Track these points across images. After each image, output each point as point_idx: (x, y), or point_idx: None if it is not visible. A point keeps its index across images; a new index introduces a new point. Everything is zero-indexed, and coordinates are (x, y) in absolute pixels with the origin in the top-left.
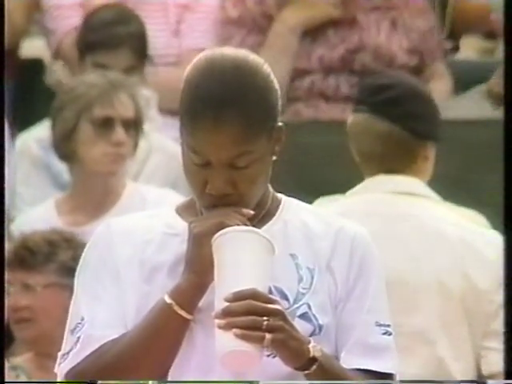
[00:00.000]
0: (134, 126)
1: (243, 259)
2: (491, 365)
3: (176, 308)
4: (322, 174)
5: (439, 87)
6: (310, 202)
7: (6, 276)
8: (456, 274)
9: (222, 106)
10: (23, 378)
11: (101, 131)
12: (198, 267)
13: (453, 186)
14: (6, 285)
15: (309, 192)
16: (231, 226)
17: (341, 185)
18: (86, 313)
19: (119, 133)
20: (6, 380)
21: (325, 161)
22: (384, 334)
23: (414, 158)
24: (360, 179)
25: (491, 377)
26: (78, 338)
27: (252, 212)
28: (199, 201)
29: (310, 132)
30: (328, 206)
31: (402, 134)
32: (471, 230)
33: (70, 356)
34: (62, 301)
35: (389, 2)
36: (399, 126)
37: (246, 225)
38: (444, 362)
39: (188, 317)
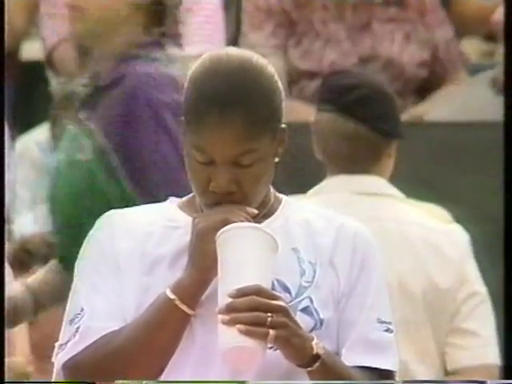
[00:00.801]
0: None
1: (247, 255)
2: (455, 361)
3: (178, 303)
4: (321, 176)
5: None
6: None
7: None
8: (417, 274)
9: (226, 104)
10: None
11: None
12: (201, 263)
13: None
14: (5, 287)
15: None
16: (235, 222)
17: None
18: (85, 304)
19: None
20: (6, 380)
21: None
22: (385, 330)
23: (379, 157)
24: None
25: (455, 373)
26: (77, 328)
27: (256, 211)
28: (202, 199)
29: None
30: None
31: (368, 133)
32: (434, 228)
33: (68, 346)
34: None
35: (404, 14)
36: (366, 125)
37: (249, 221)
38: (407, 365)
39: (190, 312)
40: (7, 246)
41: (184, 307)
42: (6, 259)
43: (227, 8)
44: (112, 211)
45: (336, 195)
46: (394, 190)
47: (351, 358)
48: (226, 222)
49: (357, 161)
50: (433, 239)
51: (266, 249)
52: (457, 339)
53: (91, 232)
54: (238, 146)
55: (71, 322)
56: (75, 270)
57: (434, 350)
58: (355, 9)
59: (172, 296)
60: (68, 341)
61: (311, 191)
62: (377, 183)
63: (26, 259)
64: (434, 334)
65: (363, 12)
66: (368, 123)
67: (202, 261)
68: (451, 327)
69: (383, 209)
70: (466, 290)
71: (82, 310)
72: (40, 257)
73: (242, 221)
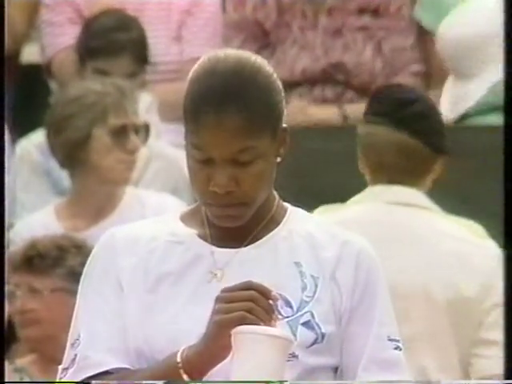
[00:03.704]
0: (142, 132)
1: (259, 362)
2: (479, 371)
3: (181, 371)
4: (321, 179)
5: None
6: (309, 207)
7: (14, 279)
8: (443, 283)
9: (223, 101)
10: (27, 380)
11: (116, 139)
12: (213, 349)
13: (451, 196)
14: (5, 288)
15: (308, 196)
16: (253, 319)
17: (339, 189)
18: (83, 330)
19: (134, 140)
20: (7, 381)
21: (323, 166)
22: (395, 349)
23: (425, 172)
24: (356, 183)
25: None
26: (75, 355)
27: (278, 296)
28: (202, 198)
29: (306, 138)
30: (329, 215)
31: (421, 147)
32: (468, 241)
33: (68, 374)
34: (68, 306)
35: (379, 23)
36: (420, 140)
37: (268, 318)
38: (427, 372)
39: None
40: (14, 248)
41: (185, 376)
42: (10, 260)
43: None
44: (114, 228)
45: (374, 205)
46: (431, 203)
47: (368, 378)
48: (243, 320)
49: (404, 173)
50: (464, 250)
51: (279, 352)
52: (482, 350)
53: (94, 250)
54: (235, 143)
55: (72, 345)
56: (79, 289)
57: (456, 358)
58: (330, 14)
59: (179, 359)
60: (68, 367)
61: (351, 200)
62: (414, 195)
63: (36, 260)
64: (457, 343)
65: (337, 17)
66: (422, 137)
67: (214, 348)
68: (476, 338)
69: (419, 220)
70: (490, 300)
71: (79, 336)
72: (50, 259)
73: (260, 319)
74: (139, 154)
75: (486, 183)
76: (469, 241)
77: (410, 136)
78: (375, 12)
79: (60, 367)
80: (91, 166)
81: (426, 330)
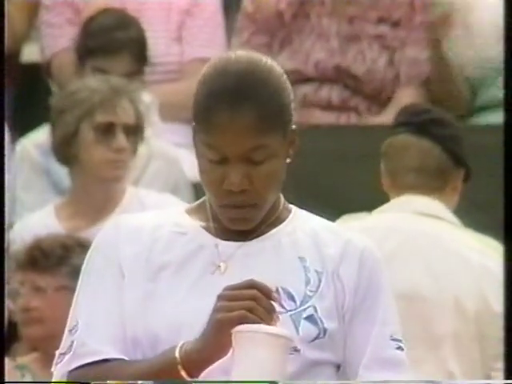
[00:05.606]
0: (135, 132)
1: (259, 361)
2: None
3: (179, 367)
4: (320, 178)
5: None
6: (310, 208)
7: (18, 277)
8: (473, 294)
9: (236, 99)
10: (29, 378)
11: (102, 137)
12: (213, 348)
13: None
14: (6, 287)
15: (309, 196)
16: (253, 318)
17: (339, 190)
18: (81, 317)
19: (120, 139)
20: (6, 380)
21: (323, 166)
22: (397, 348)
23: (444, 184)
24: (357, 183)
25: None
26: (72, 342)
27: (279, 297)
28: (215, 200)
29: (308, 138)
30: (355, 223)
31: (441, 154)
32: (490, 255)
33: (65, 359)
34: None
35: (395, 33)
36: (440, 145)
37: (269, 318)
38: (454, 377)
39: (188, 378)
40: (18, 246)
41: (183, 373)
42: (14, 258)
43: (227, 11)
44: (119, 216)
45: (398, 214)
46: (453, 217)
47: (369, 377)
48: (244, 319)
49: (425, 181)
50: (489, 265)
51: (279, 351)
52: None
53: (97, 238)
54: (249, 141)
55: (70, 332)
56: (80, 275)
57: (479, 370)
58: (349, 4)
59: (177, 355)
60: (65, 353)
61: (378, 210)
62: (437, 207)
63: (40, 259)
64: (482, 356)
65: (356, 17)
66: (442, 143)
67: (214, 345)
68: (498, 353)
69: (443, 230)
70: None
71: (78, 322)
72: (55, 258)
73: (260, 318)
74: (135, 154)
75: (486, 183)
76: (490, 255)
77: (429, 140)
78: (395, 23)
79: (57, 352)
80: (81, 163)
81: (454, 337)
